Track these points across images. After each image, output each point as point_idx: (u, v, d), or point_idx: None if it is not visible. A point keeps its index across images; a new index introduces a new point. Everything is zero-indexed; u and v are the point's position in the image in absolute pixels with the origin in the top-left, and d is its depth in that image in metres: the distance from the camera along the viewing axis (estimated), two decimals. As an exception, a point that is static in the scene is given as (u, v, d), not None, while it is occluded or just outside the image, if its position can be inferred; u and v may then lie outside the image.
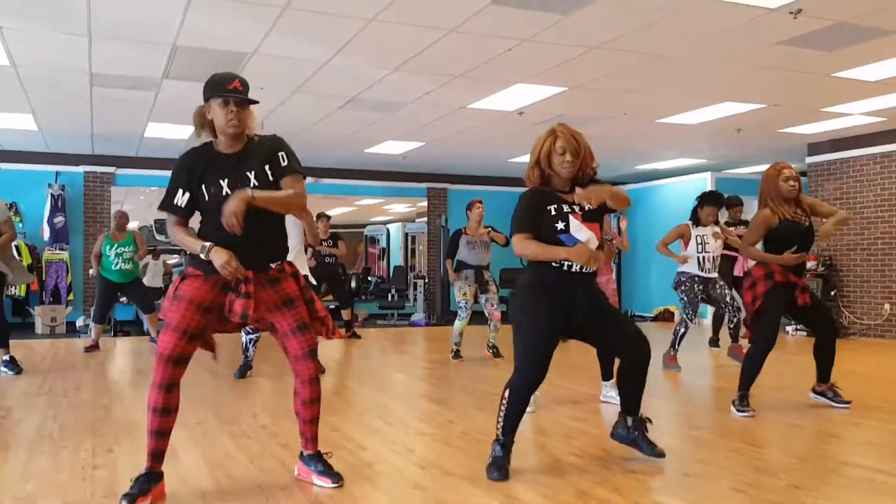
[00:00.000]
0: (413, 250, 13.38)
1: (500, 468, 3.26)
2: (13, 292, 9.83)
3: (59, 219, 10.50)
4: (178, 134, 8.86)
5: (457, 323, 7.00)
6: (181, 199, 2.93)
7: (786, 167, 4.63)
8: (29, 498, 3.00)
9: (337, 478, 3.17)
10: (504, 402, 3.33)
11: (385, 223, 13.61)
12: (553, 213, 3.30)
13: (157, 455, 2.95)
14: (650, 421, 3.62)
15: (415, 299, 12.31)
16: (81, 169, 10.79)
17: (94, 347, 7.78)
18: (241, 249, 2.89)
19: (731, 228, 7.52)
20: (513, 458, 3.64)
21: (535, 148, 3.33)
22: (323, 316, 3.15)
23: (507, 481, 3.24)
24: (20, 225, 10.22)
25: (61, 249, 10.47)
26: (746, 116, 7.97)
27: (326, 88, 6.81)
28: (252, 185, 2.90)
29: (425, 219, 12.87)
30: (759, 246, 4.74)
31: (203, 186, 2.90)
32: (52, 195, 10.48)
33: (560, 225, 3.28)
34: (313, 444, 3.23)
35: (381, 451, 3.81)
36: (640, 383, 3.53)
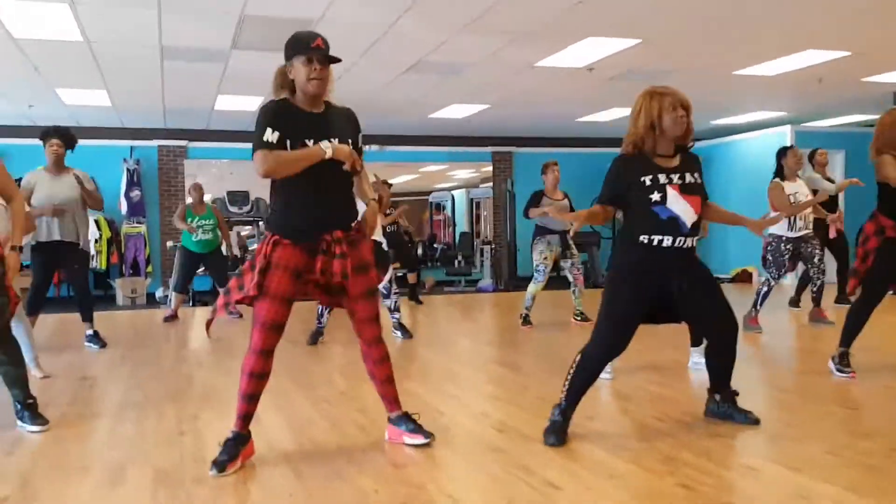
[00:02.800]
0: (478, 216, 13.29)
1: (556, 434, 3.20)
2: (94, 265, 10.18)
3: (136, 193, 10.79)
4: (247, 106, 8.95)
5: (531, 286, 6.82)
6: (271, 136, 2.83)
7: None
8: (119, 464, 3.09)
9: (428, 434, 3.21)
10: (573, 367, 3.28)
11: (449, 189, 13.54)
12: (648, 183, 3.16)
13: (246, 417, 3.01)
14: (737, 393, 3.51)
15: (481, 265, 12.24)
16: (155, 143, 11.04)
17: (173, 317, 7.99)
18: (324, 209, 2.94)
19: (822, 181, 7.16)
20: (594, 422, 3.58)
21: (643, 112, 3.17)
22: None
23: (588, 448, 3.17)
24: (98, 199, 10.54)
25: (138, 223, 10.78)
26: (829, 65, 7.54)
27: (391, 53, 6.74)
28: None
29: (490, 184, 12.73)
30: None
31: (287, 141, 2.85)
32: (128, 170, 10.76)
33: (655, 196, 3.14)
34: (397, 405, 3.26)
35: (457, 416, 3.79)
36: (731, 360, 3.45)
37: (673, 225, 3.15)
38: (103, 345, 6.18)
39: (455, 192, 13.49)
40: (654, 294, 3.22)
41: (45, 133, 5.71)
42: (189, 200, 8.25)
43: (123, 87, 8.03)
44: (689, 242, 3.19)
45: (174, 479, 2.86)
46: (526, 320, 6.88)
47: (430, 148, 12.26)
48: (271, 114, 2.87)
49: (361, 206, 3.19)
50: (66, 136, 5.74)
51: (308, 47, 2.85)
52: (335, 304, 3.17)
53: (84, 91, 8.11)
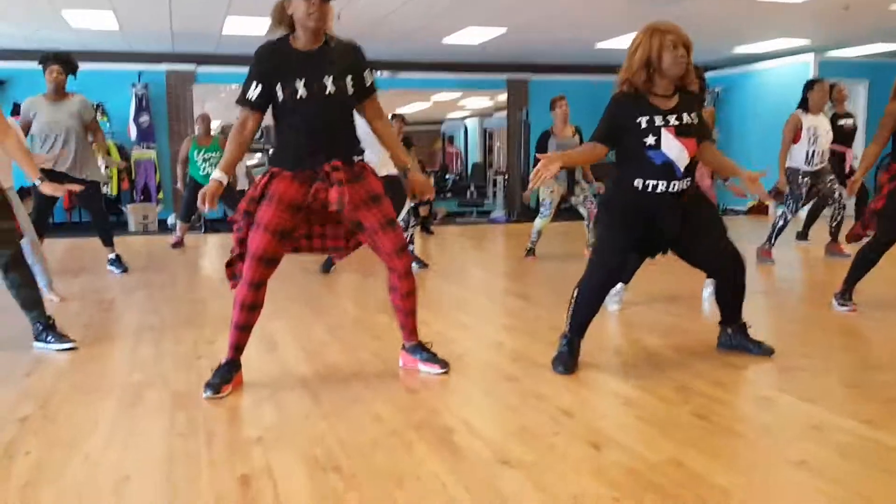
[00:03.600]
0: (491, 147, 13.11)
1: (564, 363, 3.22)
2: (105, 192, 10.16)
3: (144, 118, 10.67)
4: (256, 30, 8.73)
5: (538, 220, 6.79)
6: (254, 91, 2.87)
7: None
8: (138, 386, 3.13)
9: (444, 364, 3.24)
10: (573, 300, 3.29)
11: (461, 119, 13.32)
12: (644, 126, 3.06)
13: (239, 347, 3.04)
14: (749, 325, 3.50)
15: (494, 196, 12.15)
16: (163, 67, 10.84)
17: (179, 244, 8.06)
18: (324, 141, 2.90)
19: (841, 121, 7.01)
20: (607, 352, 3.60)
21: (640, 48, 3.04)
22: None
23: (600, 377, 3.18)
24: (107, 125, 10.45)
25: (148, 148, 10.70)
26: (859, -10, 7.27)
27: (404, -26, 6.52)
28: (328, 90, 2.85)
29: (504, 113, 12.50)
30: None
31: (279, 84, 2.84)
32: (137, 95, 10.61)
33: (650, 140, 3.06)
34: (415, 336, 3.28)
35: (470, 344, 3.80)
36: (739, 298, 3.44)
37: (667, 170, 3.10)
38: (125, 269, 6.21)
39: (468, 122, 13.28)
40: (646, 231, 3.20)
41: (45, 59, 5.57)
42: (196, 131, 8.18)
43: (130, 8, 7.83)
44: (682, 185, 3.14)
45: (192, 402, 2.90)
46: (530, 252, 6.89)
47: (443, 75, 11.99)
48: (261, 61, 2.86)
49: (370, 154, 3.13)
50: (66, 62, 5.60)
51: None
52: (335, 249, 3.15)
53: (90, 12, 7.92)
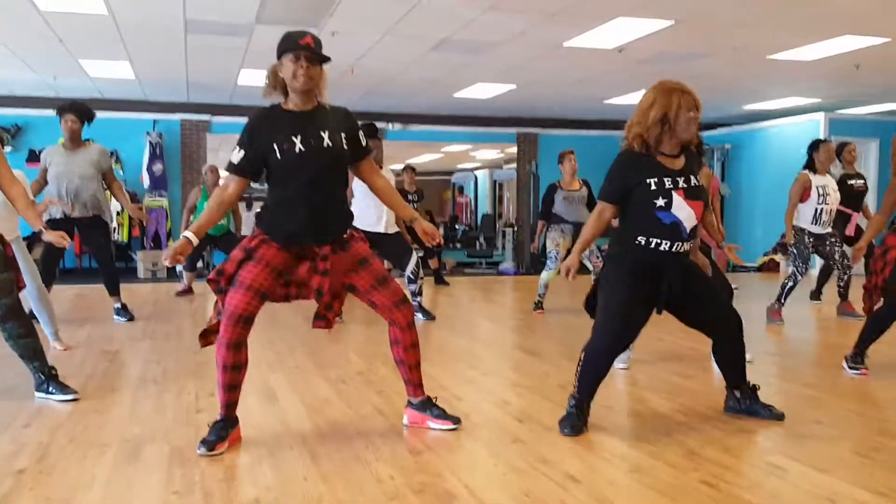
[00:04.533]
0: (500, 197, 13.18)
1: (572, 425, 3.15)
2: (116, 238, 10.23)
3: (158, 166, 10.81)
4: (268, 81, 8.89)
5: (544, 274, 6.74)
6: (237, 156, 2.90)
7: None
8: (136, 440, 3.08)
9: (456, 420, 3.18)
10: (580, 363, 3.23)
11: (472, 170, 13.42)
12: (653, 187, 3.06)
13: (230, 405, 2.99)
14: (758, 387, 3.43)
15: (503, 248, 12.16)
16: (178, 117, 11.03)
17: (186, 292, 8.11)
18: (316, 215, 2.90)
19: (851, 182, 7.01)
20: (615, 414, 3.53)
21: (657, 105, 3.02)
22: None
23: (607, 440, 3.11)
24: (121, 172, 10.58)
25: (160, 196, 10.81)
26: (868, 52, 7.34)
27: (417, 30, 6.64)
28: (325, 143, 2.88)
29: (514, 165, 12.60)
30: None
31: (274, 144, 2.86)
32: (151, 143, 10.77)
33: (660, 202, 3.05)
34: (421, 390, 3.23)
35: (476, 401, 3.74)
36: (740, 359, 3.38)
37: (674, 230, 3.08)
38: (131, 318, 6.21)
39: (478, 173, 13.38)
40: (650, 290, 3.16)
41: (61, 109, 5.69)
42: (206, 181, 8.29)
43: (147, 60, 8.01)
44: (686, 246, 3.13)
45: (189, 458, 2.84)
46: (538, 306, 6.84)
47: (454, 128, 12.15)
48: (252, 128, 2.91)
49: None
50: (81, 111, 5.70)
51: (296, 44, 2.82)
52: (326, 305, 3.08)
53: (108, 63, 8.10)
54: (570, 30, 6.65)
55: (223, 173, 8.23)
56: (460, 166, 13.34)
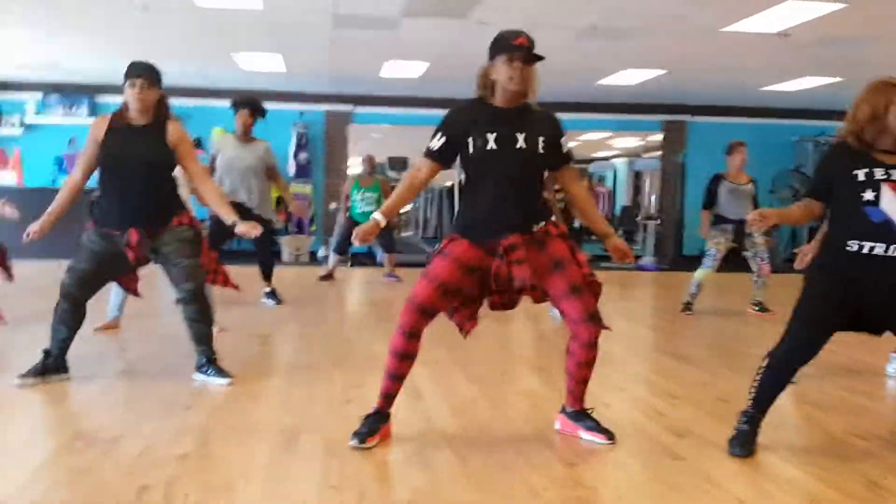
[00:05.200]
0: (637, 188, 12.68)
1: (742, 445, 2.90)
2: (277, 227, 10.66)
3: (303, 155, 11.20)
4: (412, 72, 8.98)
5: (699, 272, 6.34)
6: (437, 142, 2.91)
7: None
8: (291, 429, 3.13)
9: (610, 434, 3.03)
10: (760, 371, 2.96)
11: (608, 158, 12.97)
12: (861, 178, 2.78)
13: (389, 396, 2.99)
14: None
15: (643, 242, 11.70)
16: (322, 108, 11.36)
17: (328, 277, 8.27)
18: (506, 212, 2.86)
19: None
20: (784, 433, 3.26)
21: (866, 103, 2.81)
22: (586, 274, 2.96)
23: (778, 463, 2.86)
24: (269, 161, 11.04)
25: (305, 184, 11.21)
26: None
27: (565, 18, 6.44)
28: (518, 145, 2.84)
29: (655, 153, 12.05)
30: None
31: (469, 138, 2.85)
32: (297, 133, 11.18)
33: (868, 195, 2.76)
34: (580, 402, 3.11)
35: (626, 410, 3.57)
36: None
37: (886, 230, 2.75)
38: (279, 302, 6.44)
39: (616, 162, 12.92)
40: (855, 303, 2.85)
41: (237, 103, 5.99)
42: (359, 171, 8.50)
43: (295, 54, 8.25)
44: None
45: (342, 451, 2.86)
46: (687, 307, 6.41)
47: (594, 115, 11.75)
48: (453, 115, 2.93)
49: None
50: (256, 107, 5.98)
51: (510, 45, 2.79)
52: (507, 306, 3.06)
53: (261, 55, 8.41)
54: (730, 14, 6.24)
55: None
56: (596, 154, 12.93)
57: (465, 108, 2.94)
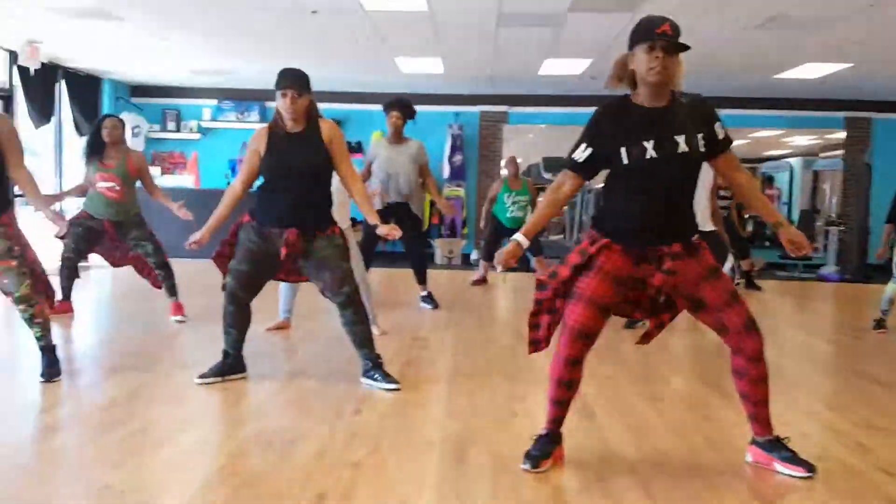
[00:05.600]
0: (815, 190, 11.67)
1: None
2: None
3: (458, 157, 11.21)
4: (572, 69, 8.74)
5: (890, 285, 5.71)
6: (582, 154, 2.69)
7: None
8: (459, 440, 3.06)
9: (810, 466, 2.73)
10: None
11: (781, 157, 12.03)
12: None
13: (557, 421, 2.85)
14: None
15: (825, 249, 10.74)
16: (478, 109, 11.33)
17: (481, 281, 8.24)
18: (661, 214, 2.66)
19: None
20: None
21: None
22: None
23: None
24: (423, 164, 11.15)
25: (458, 186, 11.21)
26: None
27: (742, 7, 5.99)
28: (680, 150, 2.60)
29: (835, 152, 11.04)
30: None
31: (623, 148, 2.62)
32: (452, 135, 11.20)
33: None
34: (769, 429, 2.82)
35: (826, 442, 3.20)
36: None
37: None
38: (435, 306, 6.44)
39: (792, 162, 11.97)
40: None
41: (388, 105, 6.03)
42: (504, 173, 8.36)
43: (455, 54, 8.24)
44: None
45: (512, 470, 2.73)
46: (880, 324, 5.81)
47: (768, 111, 10.95)
48: (600, 123, 2.68)
49: None
50: (406, 109, 6.00)
51: (652, 33, 2.54)
52: (659, 321, 2.85)
53: (422, 59, 8.47)
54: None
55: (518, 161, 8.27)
56: (768, 154, 12.04)
57: (611, 111, 2.69)
